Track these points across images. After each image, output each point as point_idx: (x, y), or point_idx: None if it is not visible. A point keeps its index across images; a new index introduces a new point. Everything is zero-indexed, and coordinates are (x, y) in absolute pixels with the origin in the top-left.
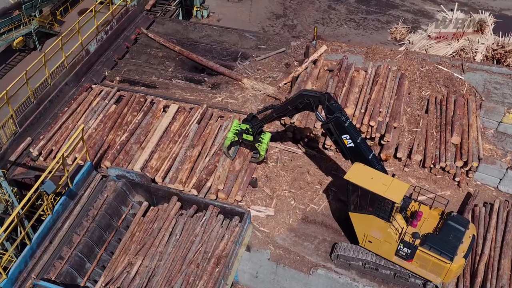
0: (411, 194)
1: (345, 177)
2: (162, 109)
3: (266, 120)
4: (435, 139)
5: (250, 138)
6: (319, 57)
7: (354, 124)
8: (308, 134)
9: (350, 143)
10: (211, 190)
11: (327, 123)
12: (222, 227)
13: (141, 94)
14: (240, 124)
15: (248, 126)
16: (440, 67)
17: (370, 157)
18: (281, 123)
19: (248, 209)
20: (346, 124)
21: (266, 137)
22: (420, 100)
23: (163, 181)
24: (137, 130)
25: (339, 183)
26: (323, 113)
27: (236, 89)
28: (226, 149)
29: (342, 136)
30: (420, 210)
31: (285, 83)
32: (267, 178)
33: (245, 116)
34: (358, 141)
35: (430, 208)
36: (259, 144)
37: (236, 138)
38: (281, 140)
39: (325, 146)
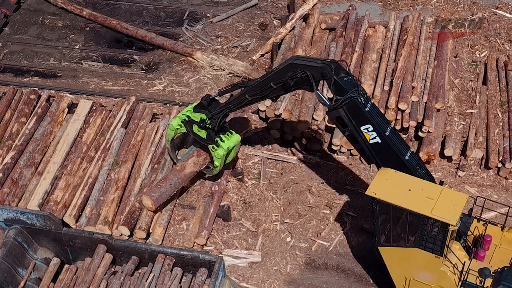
0: (471, 210)
1: (368, 192)
2: (66, 110)
3: (233, 106)
4: (501, 124)
5: (203, 134)
6: (311, 10)
7: None
8: (304, 131)
9: (374, 138)
10: (140, 225)
11: (337, 108)
12: (181, 286)
13: (32, 88)
14: (194, 112)
15: (203, 116)
16: (501, 12)
17: (407, 158)
18: (260, 117)
19: (220, 255)
20: (367, 109)
21: (231, 140)
22: (474, 66)
23: (76, 222)
24: (29, 145)
25: (360, 203)
26: (328, 93)
27: (185, 70)
28: (169, 146)
29: (362, 128)
30: (487, 234)
31: (262, 55)
32: (246, 204)
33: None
34: (387, 133)
35: (503, 228)
36: (213, 147)
37: (184, 130)
38: (262, 143)
39: (333, 147)
